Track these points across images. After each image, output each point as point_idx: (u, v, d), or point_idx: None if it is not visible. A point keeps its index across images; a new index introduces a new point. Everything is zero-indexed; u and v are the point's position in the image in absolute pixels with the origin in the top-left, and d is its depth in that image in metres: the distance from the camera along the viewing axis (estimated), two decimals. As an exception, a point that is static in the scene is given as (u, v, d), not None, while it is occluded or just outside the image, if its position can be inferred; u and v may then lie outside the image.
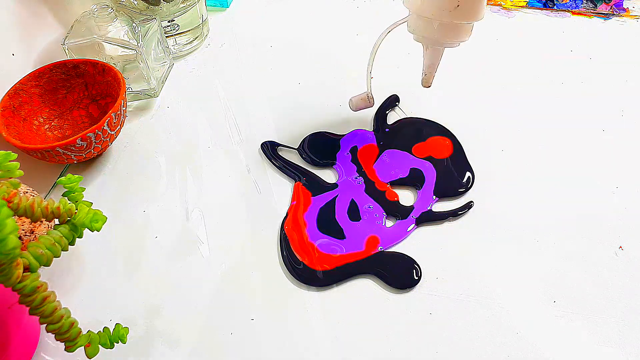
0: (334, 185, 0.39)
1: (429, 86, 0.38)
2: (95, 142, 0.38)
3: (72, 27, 0.43)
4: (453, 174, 0.39)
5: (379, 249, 0.35)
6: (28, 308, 0.24)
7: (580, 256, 0.34)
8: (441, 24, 0.32)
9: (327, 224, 0.36)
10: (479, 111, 0.45)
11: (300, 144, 0.42)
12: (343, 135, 0.43)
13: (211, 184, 0.40)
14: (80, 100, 0.44)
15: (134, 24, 0.44)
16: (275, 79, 0.49)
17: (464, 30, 0.33)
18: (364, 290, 0.33)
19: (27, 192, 0.34)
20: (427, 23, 0.33)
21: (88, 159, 0.40)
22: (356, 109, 0.41)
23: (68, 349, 0.25)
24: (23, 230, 0.32)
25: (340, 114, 0.45)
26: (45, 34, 0.46)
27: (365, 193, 0.38)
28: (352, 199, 0.38)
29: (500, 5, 0.58)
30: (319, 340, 0.31)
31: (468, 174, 0.39)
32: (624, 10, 0.56)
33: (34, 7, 0.44)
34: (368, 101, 0.40)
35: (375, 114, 0.44)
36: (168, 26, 0.50)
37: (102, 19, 0.42)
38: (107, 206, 0.37)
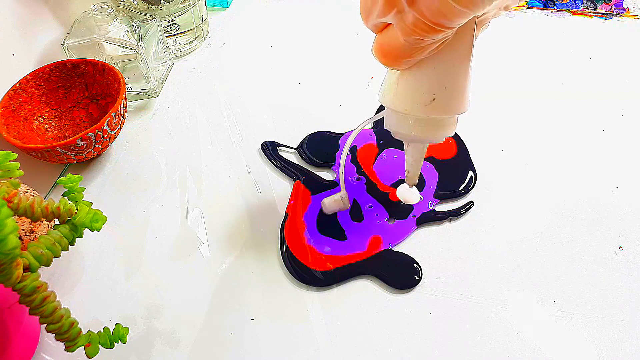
0: (334, 184, 0.39)
1: (415, 185, 0.34)
2: (95, 142, 0.38)
3: (72, 27, 0.43)
4: (455, 176, 0.39)
5: (389, 245, 0.35)
6: (28, 308, 0.24)
7: (580, 256, 0.34)
8: (417, 120, 0.28)
9: (328, 224, 0.36)
10: (479, 111, 0.45)
11: (299, 144, 0.42)
12: (343, 134, 0.43)
13: (211, 184, 0.40)
14: (80, 100, 0.44)
15: (134, 24, 0.44)
16: (275, 79, 0.49)
17: (447, 125, 0.28)
18: (364, 290, 0.33)
19: (27, 192, 0.34)
20: (403, 119, 0.28)
21: (88, 159, 0.40)
22: (330, 212, 0.37)
23: (68, 349, 0.25)
24: (23, 230, 0.32)
25: (340, 114, 0.45)
26: (45, 34, 0.46)
27: (367, 193, 0.38)
28: (354, 199, 0.38)
29: (500, 5, 0.57)
30: (319, 340, 0.31)
31: (471, 174, 0.39)
32: (624, 10, 0.56)
33: (34, 7, 0.44)
34: (342, 203, 0.36)
35: (376, 112, 0.44)
36: (168, 26, 0.50)
37: (102, 19, 0.42)
38: (107, 206, 0.38)
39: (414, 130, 0.28)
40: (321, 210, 0.37)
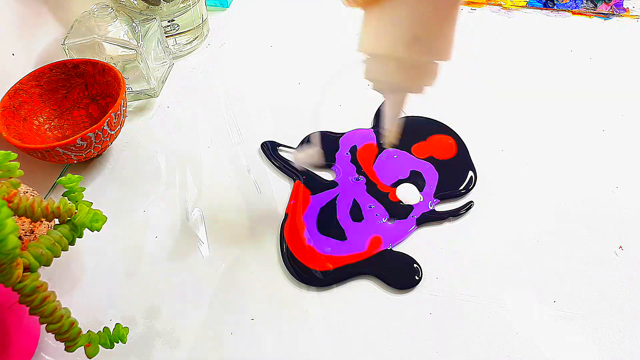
0: (334, 184, 0.39)
1: (393, 146, 0.32)
2: (95, 142, 0.38)
3: (72, 27, 0.43)
4: (455, 176, 0.39)
5: (389, 245, 0.35)
6: (28, 308, 0.24)
7: (580, 256, 0.34)
8: (398, 64, 0.27)
9: (328, 225, 0.36)
10: (479, 111, 0.45)
11: (299, 144, 0.42)
12: (343, 134, 0.43)
13: (211, 184, 0.40)
14: (80, 100, 0.44)
15: (134, 24, 0.44)
16: (275, 79, 0.49)
17: (428, 72, 0.27)
18: (364, 290, 0.33)
19: (27, 192, 0.34)
20: (384, 64, 0.27)
21: (88, 159, 0.40)
22: (301, 163, 0.36)
23: (68, 349, 0.25)
24: (23, 230, 0.32)
25: (340, 114, 0.45)
26: (45, 34, 0.46)
27: (367, 193, 0.38)
28: (354, 199, 0.38)
29: (500, 5, 0.58)
30: (319, 340, 0.31)
31: (471, 174, 0.39)
32: (624, 10, 0.56)
33: (34, 6, 0.44)
34: (316, 157, 0.34)
35: (376, 112, 0.44)
36: (168, 26, 0.50)
37: (102, 19, 0.42)
38: (107, 206, 0.37)
39: (394, 76, 0.27)
40: (321, 210, 0.37)
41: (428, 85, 0.28)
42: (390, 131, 0.32)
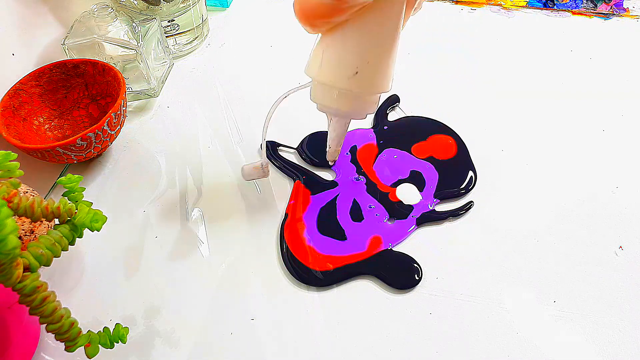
0: (334, 184, 0.39)
1: (334, 162, 0.34)
2: (95, 142, 0.38)
3: (72, 27, 0.43)
4: (455, 176, 0.39)
5: (389, 245, 0.35)
6: (28, 308, 0.24)
7: (580, 256, 0.34)
8: (340, 93, 0.28)
9: (328, 225, 0.36)
10: (479, 111, 0.45)
11: (299, 144, 0.42)
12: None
13: (211, 184, 0.40)
14: (80, 100, 0.44)
15: (134, 24, 0.44)
16: (275, 79, 0.49)
17: (369, 102, 0.29)
18: (364, 290, 0.33)
19: (27, 192, 0.34)
20: (327, 91, 0.29)
21: (88, 159, 0.40)
22: (248, 178, 0.36)
23: (68, 349, 0.25)
24: (23, 230, 0.32)
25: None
26: (45, 34, 0.46)
27: (367, 193, 0.38)
28: (354, 199, 0.38)
29: (500, 5, 0.58)
30: (319, 340, 0.31)
31: (471, 174, 0.39)
32: (624, 10, 0.56)
33: (34, 6, 0.44)
34: (262, 171, 0.35)
35: (376, 112, 0.44)
36: (168, 26, 0.50)
37: (102, 19, 0.42)
38: (107, 206, 0.38)
39: (337, 104, 0.29)
40: (321, 210, 0.37)
41: (369, 112, 0.30)
42: (332, 149, 0.34)
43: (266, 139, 0.35)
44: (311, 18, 0.24)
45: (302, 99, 0.47)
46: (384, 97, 0.45)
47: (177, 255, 0.35)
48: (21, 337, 0.29)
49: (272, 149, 0.42)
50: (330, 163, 0.35)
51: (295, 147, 0.42)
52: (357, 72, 0.27)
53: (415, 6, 0.26)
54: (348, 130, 0.43)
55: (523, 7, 0.57)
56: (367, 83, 0.27)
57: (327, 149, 0.34)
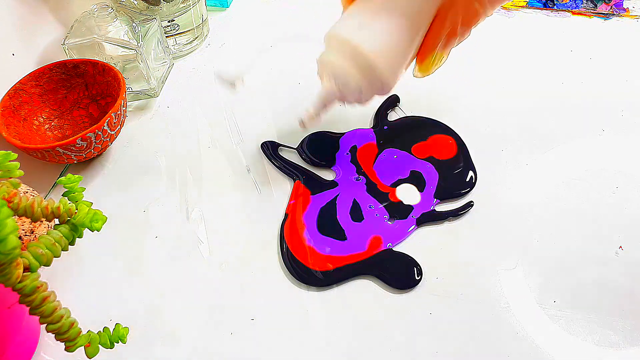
0: (334, 184, 0.39)
1: (304, 127, 0.34)
2: (95, 142, 0.38)
3: (72, 27, 0.43)
4: (455, 177, 0.39)
5: (387, 245, 0.35)
6: (28, 308, 0.24)
7: (580, 256, 0.34)
8: (360, 57, 0.31)
9: (328, 225, 0.36)
10: (478, 111, 0.45)
11: (299, 144, 0.42)
12: (343, 134, 0.43)
13: (211, 184, 0.40)
14: (80, 100, 0.44)
15: (134, 24, 0.44)
16: (275, 79, 0.49)
17: (372, 82, 0.32)
18: (364, 290, 0.33)
19: (27, 192, 0.34)
20: (347, 54, 0.32)
21: (88, 159, 0.40)
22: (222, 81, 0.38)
23: (68, 349, 0.25)
24: (23, 230, 0.32)
25: (339, 114, 0.45)
26: (45, 34, 0.46)
27: (367, 193, 0.38)
28: (355, 199, 0.38)
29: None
30: (319, 340, 0.31)
31: (471, 174, 0.39)
32: (624, 10, 0.56)
33: (34, 6, 0.44)
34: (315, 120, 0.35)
35: (376, 112, 0.44)
36: (168, 26, 0.50)
37: (102, 19, 0.42)
38: (107, 206, 0.37)
39: (348, 64, 0.31)
40: (321, 210, 0.37)
41: (363, 99, 0.33)
42: (311, 112, 0.34)
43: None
44: None
45: (302, 99, 0.47)
46: (383, 98, 0.45)
47: (177, 255, 0.35)
48: (21, 337, 0.29)
49: (272, 148, 0.42)
50: (300, 127, 0.34)
51: (295, 147, 0.42)
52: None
53: (457, 38, 0.31)
54: (348, 130, 0.43)
55: (523, 7, 0.57)
56: (389, 67, 0.31)
57: (305, 112, 0.34)
